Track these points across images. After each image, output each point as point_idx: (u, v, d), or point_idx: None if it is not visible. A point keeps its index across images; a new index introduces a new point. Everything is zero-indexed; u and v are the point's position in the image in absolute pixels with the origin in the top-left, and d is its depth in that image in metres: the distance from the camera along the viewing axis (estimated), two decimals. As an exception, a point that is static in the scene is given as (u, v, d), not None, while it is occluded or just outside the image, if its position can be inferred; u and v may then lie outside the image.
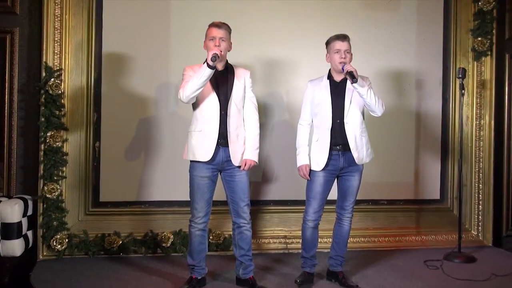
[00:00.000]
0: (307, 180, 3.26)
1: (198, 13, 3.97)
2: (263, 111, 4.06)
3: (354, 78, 3.01)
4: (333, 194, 3.34)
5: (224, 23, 3.10)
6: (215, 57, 2.88)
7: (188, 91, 2.95)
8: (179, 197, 3.88)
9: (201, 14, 3.91)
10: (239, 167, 3.12)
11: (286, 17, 4.16)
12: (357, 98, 3.19)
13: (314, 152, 3.23)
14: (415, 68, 4.33)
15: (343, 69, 3.08)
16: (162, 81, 4.02)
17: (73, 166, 3.87)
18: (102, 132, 3.98)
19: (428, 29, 4.35)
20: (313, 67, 3.95)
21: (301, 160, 3.25)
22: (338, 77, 3.24)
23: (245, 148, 3.13)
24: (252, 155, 3.13)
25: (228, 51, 3.14)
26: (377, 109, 3.17)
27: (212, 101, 3.06)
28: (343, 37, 3.18)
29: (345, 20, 4.15)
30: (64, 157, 3.81)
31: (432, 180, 4.38)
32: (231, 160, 3.08)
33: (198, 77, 2.92)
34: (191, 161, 3.12)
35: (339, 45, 3.16)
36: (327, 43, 3.25)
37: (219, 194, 3.26)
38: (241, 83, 3.16)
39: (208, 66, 2.89)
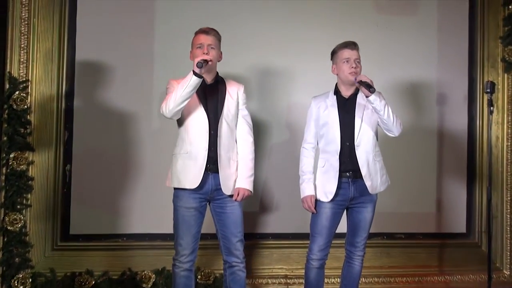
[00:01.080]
0: (312, 213, 3.23)
1: (187, 18, 3.98)
2: (260, 130, 4.04)
3: (371, 88, 2.98)
4: (342, 227, 3.31)
5: (212, 29, 3.11)
6: (201, 63, 2.86)
7: (172, 104, 2.94)
8: (162, 230, 3.84)
9: (189, 19, 3.91)
10: (231, 196, 3.09)
11: (287, 21, 4.16)
12: (369, 116, 3.18)
13: (320, 180, 3.20)
14: (436, 80, 4.33)
15: (356, 80, 3.07)
16: (144, 94, 4.01)
17: (40, 193, 3.83)
18: (74, 153, 3.96)
19: (451, 36, 4.36)
20: (318, 79, 3.94)
21: (306, 190, 3.22)
22: (347, 92, 3.23)
23: (237, 175, 3.12)
24: (246, 184, 3.11)
25: (218, 61, 3.15)
26: (395, 128, 3.15)
27: (200, 119, 3.05)
28: (353, 45, 3.18)
29: (355, 26, 4.15)
30: (29, 182, 3.78)
31: (457, 211, 4.35)
32: (221, 189, 3.06)
33: (183, 87, 2.90)
34: (175, 188, 3.10)
35: (348, 53, 3.16)
36: (334, 53, 3.25)
37: (209, 226, 3.23)
38: (234, 99, 3.15)
39: (195, 74, 2.89)
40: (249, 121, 3.21)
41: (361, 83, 3.02)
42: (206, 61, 2.90)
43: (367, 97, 3.03)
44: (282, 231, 4.12)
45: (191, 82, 2.89)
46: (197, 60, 2.88)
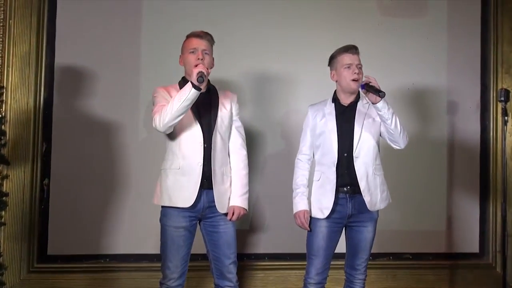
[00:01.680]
0: (307, 231, 3.22)
1: (176, 20, 4.02)
2: (253, 140, 4.06)
3: (380, 92, 2.96)
4: (342, 246, 3.30)
5: (206, 33, 3.11)
6: (202, 77, 2.84)
7: (167, 118, 2.91)
8: (149, 250, 3.86)
9: (179, 21, 3.96)
10: (225, 214, 3.09)
11: (284, 24, 4.19)
12: (370, 125, 3.18)
13: (315, 195, 3.19)
14: (445, 87, 4.35)
15: (362, 85, 3.06)
16: (130, 102, 4.03)
17: (15, 209, 3.83)
18: (52, 166, 3.96)
19: (462, 39, 4.39)
20: (317, 85, 3.99)
21: (299, 205, 3.21)
22: (346, 100, 3.23)
23: (231, 191, 3.12)
24: (241, 201, 3.11)
25: (211, 68, 3.13)
26: (401, 139, 3.14)
27: (193, 131, 3.05)
28: (354, 49, 3.18)
29: (356, 28, 4.19)
30: (4, 198, 3.77)
31: (469, 229, 4.36)
32: (215, 206, 3.06)
33: (181, 100, 2.88)
34: (163, 206, 3.09)
35: (350, 58, 3.16)
36: (332, 58, 3.25)
37: (199, 246, 3.22)
38: (227, 109, 3.16)
39: (194, 86, 2.86)
40: (242, 133, 3.22)
41: (368, 87, 3.00)
42: (205, 74, 2.88)
43: (374, 103, 3.02)
44: (279, 251, 4.13)
45: (190, 95, 2.86)
46: (196, 71, 2.85)
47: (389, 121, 3.06)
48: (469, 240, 4.36)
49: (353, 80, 3.13)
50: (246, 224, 4.12)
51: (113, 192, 4.00)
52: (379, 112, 3.06)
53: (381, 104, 3.01)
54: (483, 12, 4.43)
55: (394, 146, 3.20)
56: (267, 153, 4.15)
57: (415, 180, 4.26)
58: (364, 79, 3.07)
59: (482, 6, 4.44)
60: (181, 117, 2.93)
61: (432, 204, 4.31)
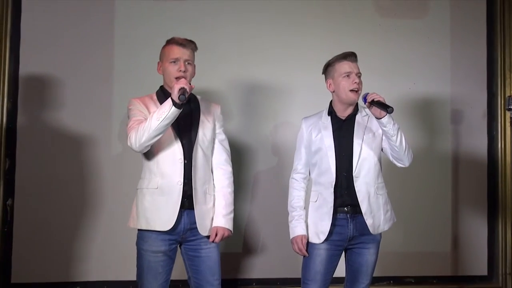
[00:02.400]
0: (304, 256, 3.21)
1: (153, 23, 4.06)
2: (241, 155, 4.08)
3: (388, 107, 2.93)
4: (340, 270, 3.28)
5: (190, 41, 3.10)
6: (184, 95, 2.80)
7: (144, 137, 2.89)
8: (124, 276, 3.86)
9: (157, 25, 4.00)
10: (207, 237, 3.09)
11: (274, 26, 4.23)
12: (371, 140, 3.18)
13: (312, 218, 3.20)
14: (449, 95, 4.40)
15: (365, 100, 3.06)
16: (102, 114, 4.05)
17: (-25, 233, 3.81)
18: (16, 185, 3.96)
19: (467, 42, 4.44)
20: (311, 95, 4.02)
21: (296, 229, 3.20)
22: (343, 112, 3.23)
23: (214, 211, 3.12)
24: (225, 222, 3.09)
25: (192, 76, 3.14)
26: (406, 157, 3.14)
27: (172, 147, 3.04)
28: (354, 56, 3.19)
29: (353, 31, 4.25)
30: (-38, 221, 3.76)
31: (477, 250, 4.38)
32: (196, 228, 3.04)
33: (160, 118, 2.86)
34: (139, 230, 3.08)
35: (349, 66, 3.15)
36: (329, 65, 3.23)
37: (179, 271, 3.22)
38: (210, 121, 3.16)
39: (175, 104, 2.83)
40: (227, 147, 3.22)
41: (374, 103, 2.99)
42: (187, 91, 2.85)
43: (378, 118, 3.01)
44: (269, 276, 4.14)
45: (170, 114, 2.84)
46: (178, 87, 2.82)
47: (394, 138, 3.05)
48: (476, 261, 4.38)
49: (353, 90, 3.12)
50: (238, 247, 4.13)
51: (85, 213, 3.99)
52: (383, 128, 3.05)
53: (386, 119, 2.99)
54: (489, 12, 4.48)
55: (398, 164, 3.19)
56: (257, 170, 4.17)
57: (417, 197, 4.28)
58: (366, 95, 3.05)
59: (487, 5, 4.49)
60: (159, 136, 2.92)
61: (436, 223, 4.33)
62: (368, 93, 3.06)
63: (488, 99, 4.46)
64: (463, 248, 4.37)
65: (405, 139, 3.09)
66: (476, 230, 4.39)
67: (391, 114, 2.98)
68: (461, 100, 4.41)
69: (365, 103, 3.07)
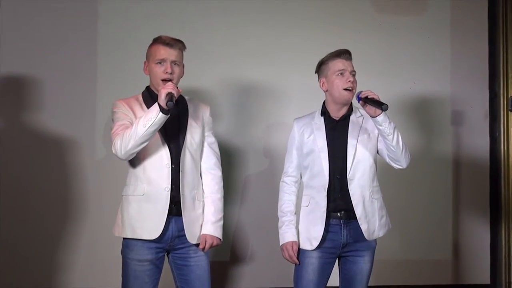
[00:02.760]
0: (295, 264, 3.22)
1: (139, 21, 4.09)
2: (231, 158, 4.10)
3: (382, 105, 2.93)
4: (333, 280, 3.29)
5: (177, 40, 3.09)
6: (171, 101, 2.79)
7: (130, 144, 2.89)
8: (108, 286, 3.84)
9: (143, 23, 4.03)
10: (196, 245, 3.09)
11: (266, 24, 4.25)
12: (366, 141, 3.19)
13: (304, 223, 3.20)
14: (449, 95, 4.42)
15: (358, 98, 3.06)
16: (85, 117, 4.06)
17: None
18: (-5, 191, 3.94)
19: (468, 40, 4.46)
20: (304, 95, 4.06)
21: (286, 235, 3.21)
22: (337, 112, 3.24)
23: (203, 218, 3.13)
24: (214, 229, 3.11)
25: (180, 77, 3.14)
26: (403, 158, 3.14)
27: (159, 151, 3.04)
28: (348, 54, 3.19)
29: (349, 29, 4.27)
30: None
31: (479, 257, 4.40)
32: (185, 235, 3.04)
33: (147, 125, 2.85)
34: (124, 238, 3.06)
35: (343, 64, 3.16)
36: (322, 64, 3.24)
37: (167, 281, 3.23)
38: (198, 123, 3.17)
39: (162, 110, 2.83)
40: (216, 151, 3.23)
41: (367, 100, 2.99)
42: (173, 94, 2.83)
43: (373, 117, 3.01)
44: (259, 286, 4.14)
45: (157, 120, 2.84)
46: (165, 92, 2.81)
47: (390, 137, 3.05)
48: (478, 269, 4.39)
49: (347, 89, 3.13)
50: (226, 255, 4.13)
51: (67, 221, 3.99)
52: (379, 127, 3.05)
53: (381, 117, 3.00)
54: (491, 8, 4.51)
55: (395, 165, 3.20)
56: (247, 174, 4.18)
57: (416, 202, 4.29)
58: (360, 93, 3.05)
59: (489, 2, 4.51)
60: (146, 143, 2.92)
61: (436, 229, 4.34)
62: (361, 91, 3.06)
63: (490, 99, 4.48)
64: (464, 255, 4.38)
65: (402, 138, 3.10)
66: (478, 236, 4.40)
67: (387, 112, 2.99)
68: (462, 100, 4.43)
69: (359, 102, 3.06)
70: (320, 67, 3.25)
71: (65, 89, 4.03)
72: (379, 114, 2.99)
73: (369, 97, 2.99)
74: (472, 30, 4.48)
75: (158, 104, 2.83)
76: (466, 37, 4.47)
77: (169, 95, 2.80)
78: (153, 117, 2.84)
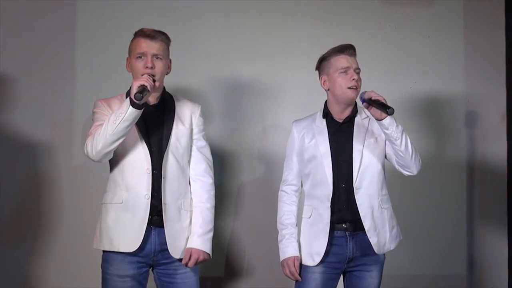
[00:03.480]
0: (296, 281, 3.20)
1: (122, 14, 4.10)
2: (224, 164, 4.10)
3: (388, 108, 2.92)
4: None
5: (159, 32, 3.07)
6: (141, 94, 2.77)
7: (100, 144, 2.88)
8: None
9: (126, 15, 4.05)
10: (182, 260, 3.06)
11: (261, 16, 4.23)
12: (373, 145, 3.17)
13: (305, 236, 3.18)
14: (463, 94, 4.39)
15: (362, 99, 3.04)
16: (62, 118, 4.05)
17: None
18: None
19: (482, 34, 4.43)
20: (303, 94, 4.07)
21: (287, 250, 3.18)
22: (341, 114, 3.21)
23: (191, 230, 3.09)
24: (201, 243, 3.06)
25: (166, 73, 3.13)
26: (413, 164, 3.10)
27: (138, 154, 3.02)
28: (352, 50, 3.17)
29: (351, 22, 4.27)
30: None
31: (496, 271, 4.37)
32: (168, 250, 3.03)
33: (117, 121, 2.84)
34: (104, 251, 3.05)
35: (347, 61, 3.13)
36: (323, 60, 3.22)
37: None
38: (186, 125, 3.14)
39: (133, 104, 2.82)
40: (207, 156, 3.21)
41: (371, 102, 2.97)
42: (147, 89, 2.83)
43: (379, 120, 2.99)
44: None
45: (127, 115, 2.82)
46: (137, 84, 2.81)
47: (398, 141, 3.02)
48: (496, 285, 4.36)
49: (351, 88, 3.10)
50: (220, 271, 4.12)
51: (41, 232, 3.98)
52: (385, 131, 3.03)
53: (387, 120, 2.97)
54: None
55: (404, 172, 3.17)
56: (242, 181, 4.17)
57: (426, 212, 4.27)
58: (364, 94, 3.04)
59: (505, -8, 4.51)
60: (118, 142, 2.90)
61: (449, 241, 4.31)
62: (365, 91, 3.04)
63: (508, 97, 4.44)
64: (480, 270, 4.35)
65: (411, 142, 3.07)
66: (495, 248, 4.37)
67: (394, 115, 2.96)
68: (476, 99, 4.40)
69: (363, 103, 3.05)
70: (321, 64, 3.24)
71: (39, 88, 4.04)
72: (385, 117, 2.95)
73: (373, 98, 2.97)
74: (487, 22, 4.45)
75: (130, 98, 2.82)
76: (481, 30, 4.44)
77: (141, 87, 2.79)
78: (123, 111, 2.83)
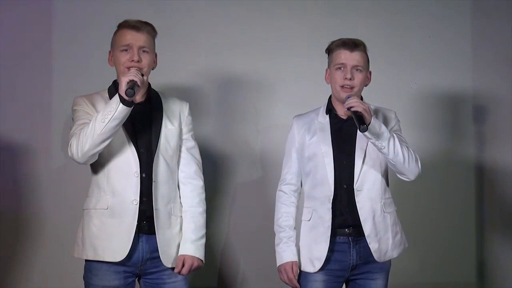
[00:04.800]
0: None
1: (103, 2, 4.09)
2: (218, 165, 4.12)
3: (362, 125, 2.92)
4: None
5: (145, 23, 3.08)
6: (132, 89, 2.78)
7: (87, 144, 2.86)
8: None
9: (107, 4, 4.06)
10: (173, 269, 3.07)
11: (258, 6, 4.24)
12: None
13: (305, 240, 3.19)
14: (471, 89, 4.41)
15: (345, 104, 3.05)
16: (39, 118, 4.06)
17: None
18: None
19: (491, 24, 4.45)
20: (302, 90, 4.08)
21: (284, 254, 3.18)
22: (344, 110, 3.19)
23: (181, 236, 3.11)
24: (195, 249, 3.08)
25: (152, 68, 3.13)
26: (408, 169, 3.10)
27: (126, 157, 3.02)
28: (353, 45, 3.15)
29: (353, 12, 4.27)
30: None
31: (509, 278, 4.37)
32: (159, 257, 3.02)
33: (106, 120, 2.83)
34: (87, 260, 3.05)
35: (345, 56, 3.13)
36: (329, 51, 3.24)
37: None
38: (175, 124, 3.15)
39: (123, 101, 2.82)
40: (197, 157, 3.22)
41: (351, 111, 2.98)
42: (137, 84, 2.83)
43: (360, 131, 2.98)
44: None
45: (117, 113, 2.82)
46: (126, 80, 2.80)
47: (385, 150, 3.02)
48: (508, 293, 4.39)
49: (343, 87, 3.12)
50: (213, 280, 4.15)
51: (20, 238, 3.99)
52: (369, 141, 3.05)
53: (368, 134, 2.97)
54: (518, -13, 4.51)
55: (401, 177, 3.19)
56: (236, 183, 4.18)
57: (433, 216, 4.29)
58: (350, 100, 3.01)
59: (515, -22, 4.52)
60: (107, 142, 2.89)
61: (458, 248, 4.32)
62: (350, 96, 3.03)
63: (517, 94, 4.47)
64: (491, 277, 4.37)
65: (403, 148, 3.07)
66: (506, 255, 4.38)
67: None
68: (485, 94, 4.42)
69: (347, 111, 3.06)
70: (328, 56, 3.25)
71: (14, 85, 4.03)
72: (363, 131, 2.96)
73: (352, 109, 2.96)
74: (497, 12, 4.47)
75: (119, 94, 2.82)
76: (490, 20, 4.46)
77: (131, 83, 2.79)
78: (113, 109, 2.82)
